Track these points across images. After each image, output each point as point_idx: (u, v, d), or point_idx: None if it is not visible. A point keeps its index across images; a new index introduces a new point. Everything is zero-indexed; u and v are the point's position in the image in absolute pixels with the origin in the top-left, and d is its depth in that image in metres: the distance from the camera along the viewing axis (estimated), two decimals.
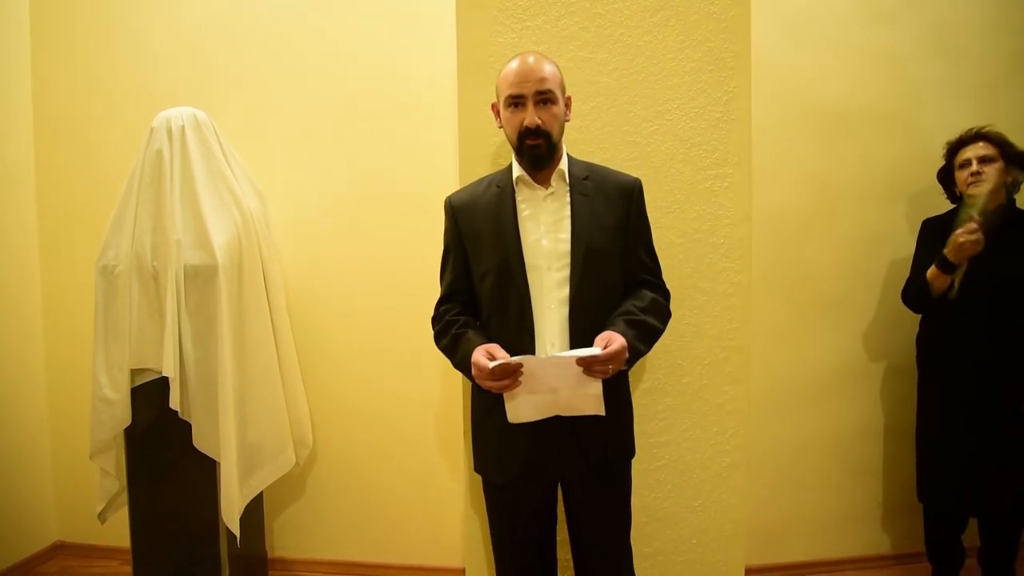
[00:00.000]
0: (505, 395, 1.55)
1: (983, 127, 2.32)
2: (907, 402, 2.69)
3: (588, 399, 1.53)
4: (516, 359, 1.48)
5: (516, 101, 1.60)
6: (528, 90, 1.58)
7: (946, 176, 2.42)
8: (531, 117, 1.58)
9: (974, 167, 2.27)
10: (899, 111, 2.71)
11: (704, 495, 2.01)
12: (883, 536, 2.81)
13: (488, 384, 1.52)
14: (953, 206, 2.41)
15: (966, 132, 2.35)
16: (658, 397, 1.99)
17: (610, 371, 1.50)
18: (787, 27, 2.65)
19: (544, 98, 1.59)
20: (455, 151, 2.01)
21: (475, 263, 1.68)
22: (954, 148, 2.37)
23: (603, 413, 1.54)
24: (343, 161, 2.75)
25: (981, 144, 2.29)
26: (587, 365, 1.47)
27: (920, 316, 2.47)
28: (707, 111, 1.96)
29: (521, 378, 1.50)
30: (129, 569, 2.36)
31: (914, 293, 2.37)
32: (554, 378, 1.50)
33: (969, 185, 2.28)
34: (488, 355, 1.53)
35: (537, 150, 1.60)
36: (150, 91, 2.79)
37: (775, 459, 2.74)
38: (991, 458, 2.23)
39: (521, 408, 1.55)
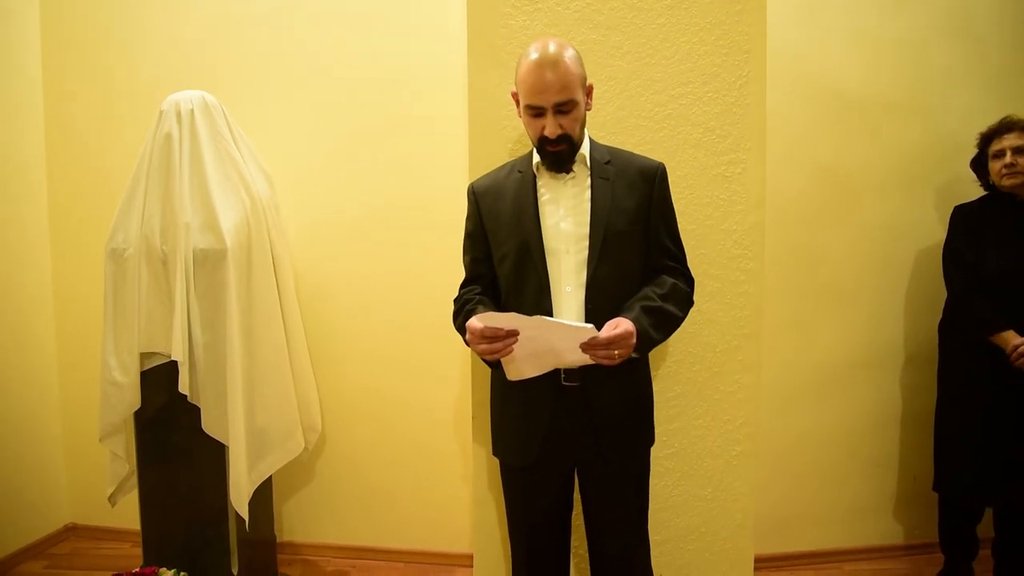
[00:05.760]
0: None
1: (1015, 116, 2.28)
2: (919, 391, 2.67)
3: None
4: (510, 321, 1.44)
5: (536, 112, 1.55)
6: (547, 102, 1.52)
7: (979, 165, 2.40)
8: (551, 128, 1.53)
9: (1008, 158, 2.25)
10: (916, 97, 2.67)
11: (714, 484, 2.00)
12: (895, 526, 2.80)
13: (481, 348, 1.49)
14: (984, 192, 2.40)
15: (1000, 121, 2.32)
16: (669, 385, 1.98)
17: (616, 357, 1.46)
18: (802, 11, 2.61)
19: (564, 108, 1.53)
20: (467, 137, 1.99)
21: (495, 246, 1.68)
22: (987, 137, 2.35)
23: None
24: (354, 147, 2.74)
25: (1016, 134, 2.26)
26: (589, 349, 1.44)
27: (943, 303, 2.45)
28: (721, 95, 1.92)
29: (518, 340, 1.46)
30: (140, 551, 2.37)
31: (969, 314, 2.31)
32: (552, 340, 1.47)
33: (1003, 176, 2.27)
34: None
35: (559, 156, 1.57)
36: (160, 75, 2.78)
37: (785, 448, 2.72)
38: (1010, 449, 2.21)
39: (521, 365, 1.52)
